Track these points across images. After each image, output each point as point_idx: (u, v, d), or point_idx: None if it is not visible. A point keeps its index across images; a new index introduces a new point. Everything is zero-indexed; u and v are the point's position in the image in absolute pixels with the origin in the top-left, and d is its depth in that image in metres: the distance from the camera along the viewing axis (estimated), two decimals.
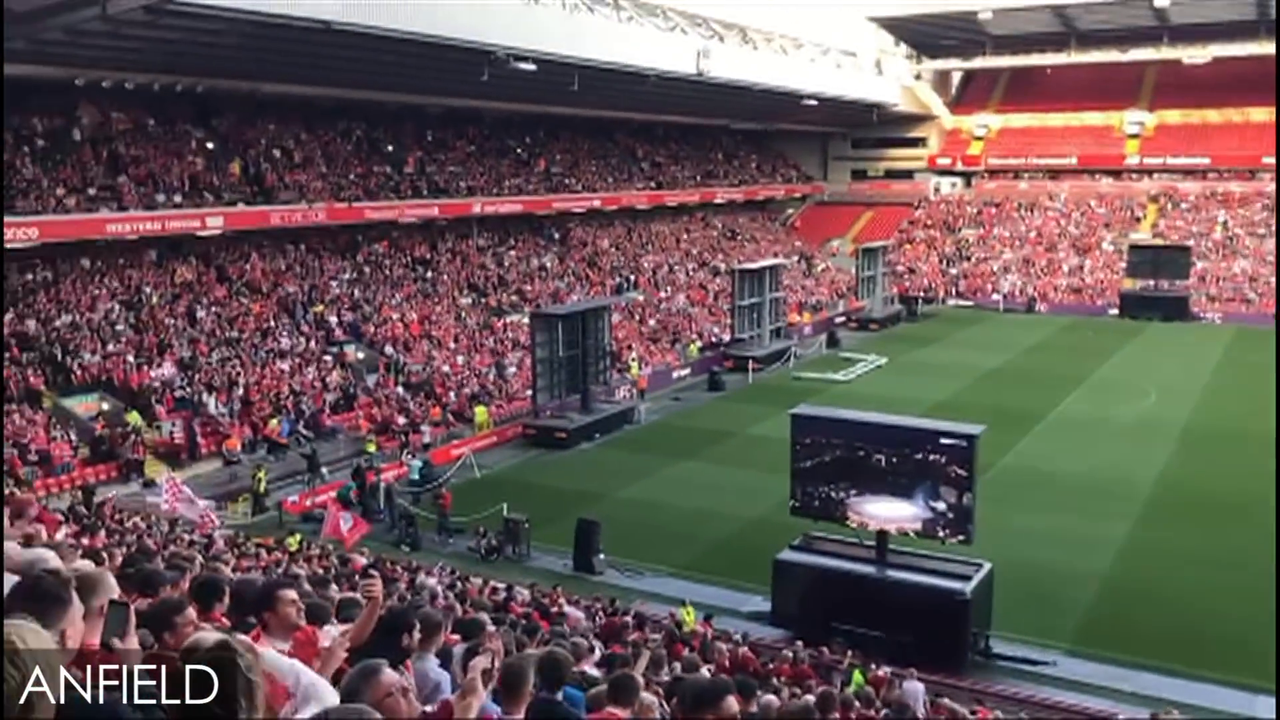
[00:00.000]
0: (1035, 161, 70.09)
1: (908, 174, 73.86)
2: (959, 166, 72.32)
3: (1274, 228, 57.73)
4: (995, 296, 58.88)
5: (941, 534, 17.80)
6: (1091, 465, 28.49)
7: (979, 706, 14.25)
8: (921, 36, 73.15)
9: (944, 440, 17.79)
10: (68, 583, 2.82)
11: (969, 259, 63.69)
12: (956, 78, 78.92)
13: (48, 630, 2.41)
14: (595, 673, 8.60)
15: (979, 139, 72.98)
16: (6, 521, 7.64)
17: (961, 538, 17.61)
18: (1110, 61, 68.26)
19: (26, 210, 30.44)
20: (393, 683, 3.22)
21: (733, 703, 4.19)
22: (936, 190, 71.78)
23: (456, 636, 7.30)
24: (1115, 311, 54.59)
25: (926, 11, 67.67)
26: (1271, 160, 58.20)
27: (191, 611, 4.27)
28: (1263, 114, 61.86)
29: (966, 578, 17.78)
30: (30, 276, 31.67)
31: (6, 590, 2.81)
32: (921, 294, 58.98)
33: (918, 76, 75.20)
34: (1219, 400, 35.99)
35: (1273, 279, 53.44)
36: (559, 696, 5.12)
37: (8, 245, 30.02)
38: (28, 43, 27.98)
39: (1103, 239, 62.47)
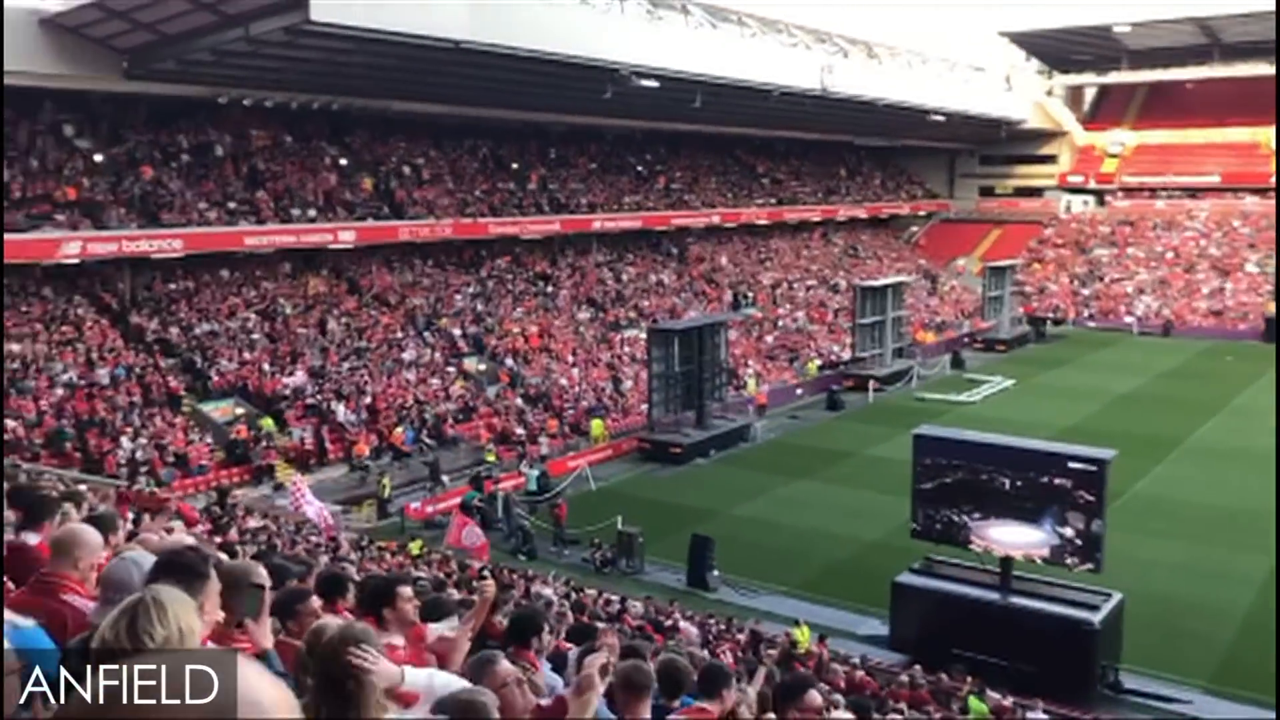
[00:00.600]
0: (1174, 179, 67.31)
1: (1037, 192, 71.82)
2: (1091, 184, 69.98)
3: None
4: (1128, 319, 56.72)
5: (1069, 561, 17.17)
6: (1231, 495, 27.15)
7: None
8: (1054, 51, 71.21)
9: (1073, 464, 17.18)
10: (207, 559, 2.92)
11: (1101, 279, 61.57)
12: (1090, 93, 76.51)
13: None
14: None
15: (1113, 156, 70.53)
16: (146, 517, 7.99)
17: (1090, 566, 16.96)
18: (1257, 75, 65.22)
19: (171, 223, 31.95)
20: (509, 673, 3.24)
21: (816, 696, 4.17)
22: (1068, 208, 69.65)
23: (569, 644, 7.33)
24: (1259, 336, 52.02)
25: (1060, 26, 65.84)
26: None
27: (315, 601, 4.38)
28: None
29: (1095, 607, 17.13)
30: (173, 286, 33.18)
31: (149, 566, 2.91)
32: (1051, 315, 57.23)
33: (1049, 92, 73.18)
34: None
35: None
36: (676, 705, 5.09)
37: (156, 255, 31.64)
38: (177, 63, 29.45)
39: (1246, 260, 59.64)
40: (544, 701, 3.69)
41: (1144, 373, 44.26)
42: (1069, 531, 17.02)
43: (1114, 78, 71.62)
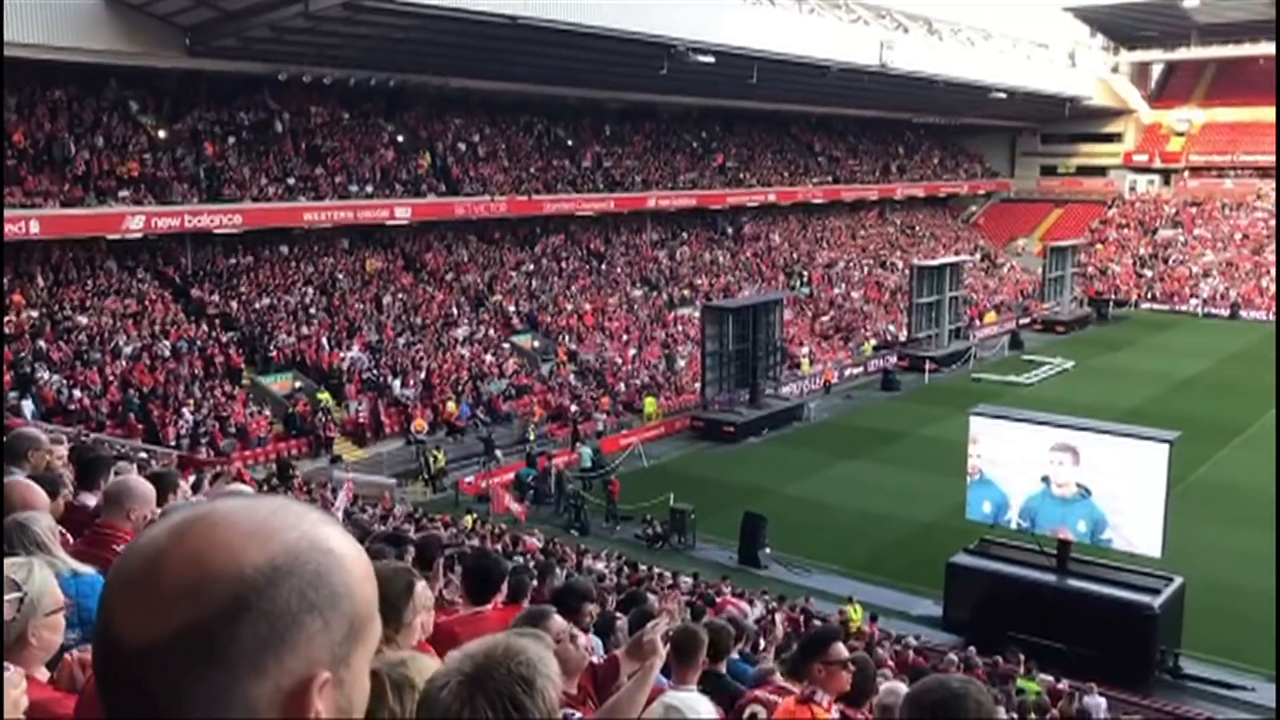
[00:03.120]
0: (1242, 159, 65.59)
1: (1101, 171, 70.39)
2: (1157, 164, 68.44)
3: None
4: (1193, 301, 55.51)
5: (1128, 544, 16.88)
6: None
7: None
8: (1120, 27, 69.56)
9: (1133, 446, 16.86)
10: None
11: (1166, 261, 60.26)
12: (1157, 70, 74.69)
13: None
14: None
15: (1180, 135, 68.87)
16: (206, 482, 8.10)
17: (1151, 549, 16.64)
18: None
19: (231, 198, 32.38)
20: (563, 628, 3.21)
21: (841, 648, 4.14)
22: (1132, 188, 68.18)
23: (620, 614, 7.34)
24: None
25: (1126, 0, 64.28)
26: None
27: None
28: None
29: (1155, 591, 16.84)
30: (234, 261, 33.66)
31: None
32: (1113, 296, 56.13)
33: (1115, 69, 71.56)
34: None
35: None
36: (722, 668, 5.07)
37: (217, 230, 32.11)
38: (237, 40, 29.77)
39: None
40: (595, 659, 3.67)
41: (1209, 356, 43.29)
42: (1128, 513, 16.72)
43: (1182, 54, 69.78)
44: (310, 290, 34.06)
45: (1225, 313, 53.65)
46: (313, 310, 33.16)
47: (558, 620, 3.26)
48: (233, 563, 0.91)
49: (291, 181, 34.75)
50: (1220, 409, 33.67)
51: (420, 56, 34.58)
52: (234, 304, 31.98)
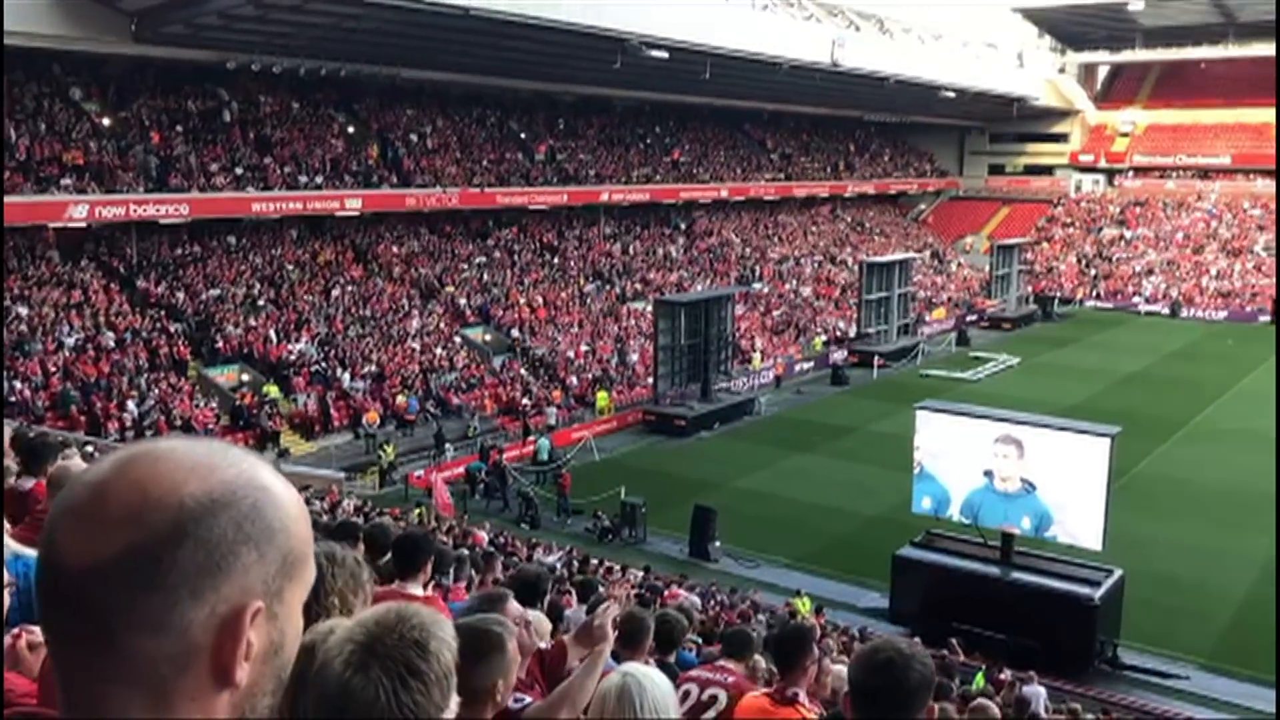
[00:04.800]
0: (1185, 160, 66.92)
1: (1048, 170, 71.45)
2: (1102, 164, 69.60)
3: None
4: (1136, 299, 56.57)
5: (1070, 538, 17.20)
6: (1235, 477, 27.11)
7: (1104, 716, 13.77)
8: (1067, 29, 70.66)
9: (1076, 441, 17.18)
10: None
11: (1109, 259, 61.32)
12: (1103, 71, 76.02)
13: None
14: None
15: (1124, 135, 70.10)
16: None
17: (1092, 542, 16.97)
18: (1271, 55, 64.53)
19: (179, 188, 31.88)
20: (518, 613, 3.24)
21: (815, 648, 4.24)
22: (1077, 188, 69.28)
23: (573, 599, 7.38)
24: (1267, 318, 51.82)
25: (1074, 2, 65.28)
26: None
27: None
28: None
29: (1096, 583, 17.15)
30: (180, 251, 33.16)
31: None
32: (1058, 294, 57.04)
33: (1062, 70, 72.64)
34: None
35: None
36: (671, 659, 5.13)
37: (163, 220, 31.61)
38: (185, 27, 29.31)
39: (1255, 242, 59.34)
40: (543, 645, 3.71)
41: (1150, 353, 44.16)
42: (1070, 507, 17.03)
43: (1127, 56, 71.08)
44: (258, 282, 33.65)
45: (1166, 311, 54.72)
46: (261, 302, 32.78)
47: (514, 604, 3.29)
48: (173, 492, 0.97)
49: (240, 171, 34.30)
50: (1161, 405, 34.35)
51: (372, 47, 34.24)
52: (180, 295, 31.52)
